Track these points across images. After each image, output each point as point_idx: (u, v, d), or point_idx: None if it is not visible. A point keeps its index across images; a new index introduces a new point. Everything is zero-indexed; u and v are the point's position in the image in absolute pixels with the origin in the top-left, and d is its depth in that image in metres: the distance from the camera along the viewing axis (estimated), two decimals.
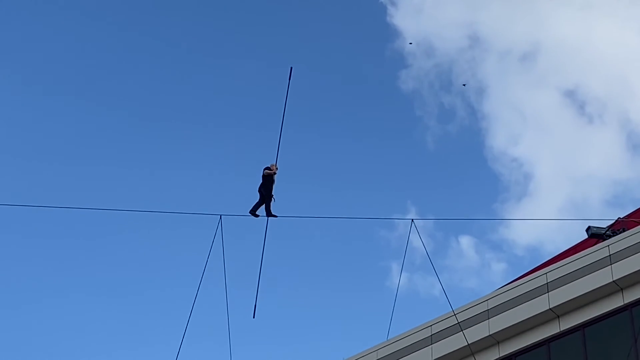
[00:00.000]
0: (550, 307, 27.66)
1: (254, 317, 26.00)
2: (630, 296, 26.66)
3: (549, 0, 69.99)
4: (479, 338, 28.64)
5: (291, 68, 25.39)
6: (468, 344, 28.11)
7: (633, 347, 26.17)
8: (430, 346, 29.60)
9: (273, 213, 26.25)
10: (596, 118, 69.95)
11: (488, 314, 28.75)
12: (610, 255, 27.04)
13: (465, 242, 67.84)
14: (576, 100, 68.55)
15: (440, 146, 70.44)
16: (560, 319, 27.72)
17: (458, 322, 28.32)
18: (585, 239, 30.53)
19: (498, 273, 67.22)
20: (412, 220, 26.76)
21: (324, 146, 69.52)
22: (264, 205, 26.24)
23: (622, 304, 26.75)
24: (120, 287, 66.53)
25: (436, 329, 29.69)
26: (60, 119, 68.72)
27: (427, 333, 29.88)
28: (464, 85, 56.88)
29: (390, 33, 73.23)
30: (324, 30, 72.66)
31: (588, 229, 29.39)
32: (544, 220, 60.59)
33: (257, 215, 26.25)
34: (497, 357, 28.63)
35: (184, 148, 69.24)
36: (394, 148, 70.64)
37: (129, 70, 69.95)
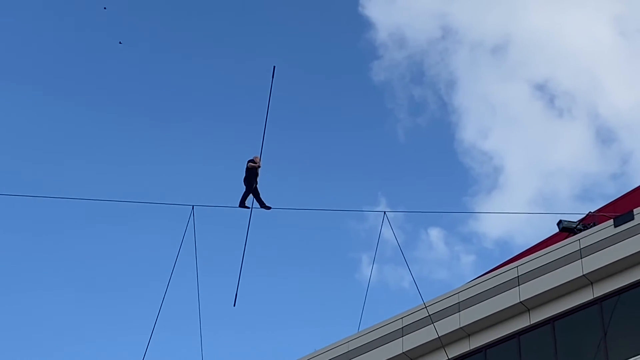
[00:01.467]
0: (521, 300, 27.79)
1: (234, 306, 25.99)
2: (600, 290, 26.83)
3: None
4: (449, 330, 28.73)
5: (274, 67, 25.47)
6: (439, 337, 28.19)
7: (602, 341, 26.36)
8: (401, 338, 29.67)
9: (266, 204, 26.44)
10: (566, 112, 70.35)
11: (459, 307, 28.84)
12: (580, 249, 27.19)
13: (435, 234, 68.14)
14: (546, 93, 68.92)
15: (410, 139, 70.61)
16: (530, 312, 27.87)
17: (429, 315, 28.39)
18: (556, 233, 30.66)
19: (467, 265, 67.56)
20: (385, 212, 26.86)
21: (295, 137, 69.51)
22: (251, 196, 26.30)
23: (592, 297, 26.92)
24: (92, 278, 66.27)
25: (407, 321, 29.74)
26: (30, 111, 68.23)
27: (398, 325, 29.94)
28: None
29: (362, 24, 73.29)
30: (296, 21, 72.59)
31: (559, 223, 29.51)
32: (514, 213, 60.87)
33: (246, 207, 26.26)
34: (468, 349, 28.74)
35: (158, 140, 69.02)
36: (365, 140, 70.77)
37: (104, 64, 69.52)
